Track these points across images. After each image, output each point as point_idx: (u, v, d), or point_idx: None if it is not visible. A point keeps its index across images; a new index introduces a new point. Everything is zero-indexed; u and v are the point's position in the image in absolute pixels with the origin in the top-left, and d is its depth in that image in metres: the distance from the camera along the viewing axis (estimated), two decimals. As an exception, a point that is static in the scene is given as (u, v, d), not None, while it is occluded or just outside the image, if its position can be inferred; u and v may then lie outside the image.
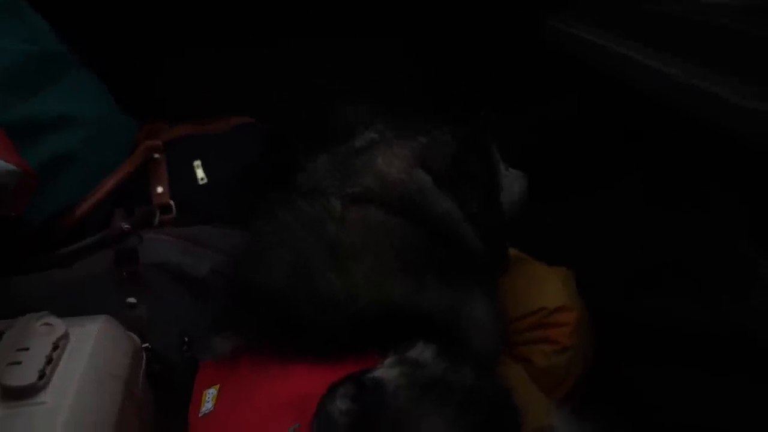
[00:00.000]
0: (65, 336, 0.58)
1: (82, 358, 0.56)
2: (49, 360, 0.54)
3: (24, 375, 0.52)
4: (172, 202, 0.89)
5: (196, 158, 0.96)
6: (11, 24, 0.84)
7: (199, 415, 0.55)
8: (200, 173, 0.95)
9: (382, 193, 0.63)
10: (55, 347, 0.56)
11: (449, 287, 0.57)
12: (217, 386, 0.57)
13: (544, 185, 1.04)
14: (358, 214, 0.61)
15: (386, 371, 0.50)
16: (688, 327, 0.67)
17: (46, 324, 0.58)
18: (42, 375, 0.52)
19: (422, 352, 0.53)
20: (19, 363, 0.53)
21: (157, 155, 0.95)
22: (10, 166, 0.65)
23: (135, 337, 0.67)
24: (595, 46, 0.73)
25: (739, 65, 0.49)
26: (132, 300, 0.75)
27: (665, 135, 0.76)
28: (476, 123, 0.70)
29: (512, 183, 0.77)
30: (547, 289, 0.82)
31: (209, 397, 0.56)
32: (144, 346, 0.69)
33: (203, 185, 0.94)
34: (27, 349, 0.54)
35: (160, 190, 0.92)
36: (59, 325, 0.58)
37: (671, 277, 0.76)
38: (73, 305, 0.66)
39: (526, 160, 1.06)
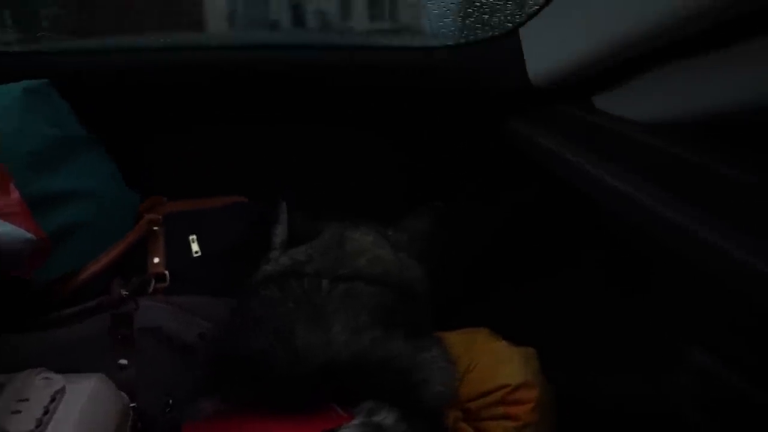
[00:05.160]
0: (62, 390, 0.63)
1: (76, 411, 0.62)
2: (46, 411, 0.60)
3: (23, 423, 0.57)
4: (166, 272, 0.96)
5: (191, 233, 1.04)
6: (42, 110, 0.96)
7: None
8: (195, 247, 1.03)
9: (370, 271, 0.73)
10: (52, 399, 0.61)
11: (412, 336, 0.65)
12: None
13: (509, 268, 1.13)
14: (343, 289, 0.70)
15: None
16: (631, 404, 0.73)
17: (45, 378, 0.64)
18: (39, 423, 0.58)
19: (385, 417, 0.59)
20: (20, 412, 0.58)
21: (156, 228, 1.03)
22: (28, 235, 0.73)
23: (124, 395, 0.72)
24: (544, 148, 0.85)
25: (655, 173, 0.59)
26: (123, 362, 0.80)
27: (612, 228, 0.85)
28: (438, 211, 0.81)
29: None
30: (510, 367, 0.89)
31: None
32: (132, 405, 0.74)
33: (197, 258, 1.02)
34: (27, 399, 0.60)
35: (156, 260, 0.99)
36: (57, 380, 0.64)
37: (620, 357, 0.83)
38: (69, 363, 0.72)
39: (493, 245, 1.16)
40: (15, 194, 0.76)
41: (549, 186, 0.91)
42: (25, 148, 0.89)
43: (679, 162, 0.58)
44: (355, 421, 0.58)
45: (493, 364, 0.89)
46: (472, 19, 1.03)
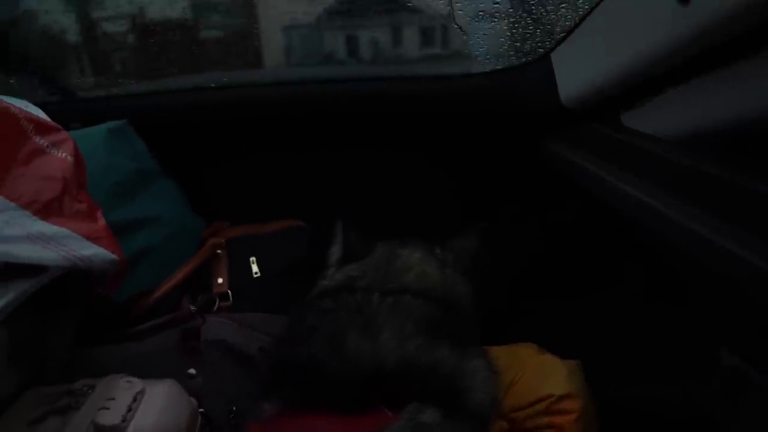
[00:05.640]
0: (142, 392, 0.71)
1: (154, 410, 0.69)
2: (129, 408, 0.67)
3: (111, 417, 0.65)
4: (229, 292, 1.05)
5: (252, 255, 1.12)
6: (122, 145, 1.08)
7: None
8: (255, 268, 1.11)
9: (417, 285, 0.78)
10: (134, 399, 0.69)
11: (458, 347, 0.69)
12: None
13: (553, 285, 1.15)
14: (392, 301, 0.76)
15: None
16: (669, 412, 0.74)
17: (128, 381, 0.72)
18: (124, 419, 0.65)
19: (429, 416, 0.63)
20: (108, 409, 0.66)
21: (219, 251, 1.12)
22: (113, 256, 0.82)
23: (194, 400, 0.80)
24: (578, 166, 0.88)
25: (680, 189, 0.62)
26: (192, 371, 0.88)
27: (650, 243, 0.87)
28: (483, 231, 0.86)
29: None
30: (555, 378, 0.91)
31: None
32: (200, 410, 0.81)
33: (257, 278, 1.10)
34: (113, 398, 0.68)
35: (220, 280, 1.08)
36: (137, 383, 0.72)
37: (660, 368, 0.84)
38: (144, 373, 0.80)
39: (538, 263, 1.19)
40: (102, 221, 0.86)
41: (588, 204, 0.94)
42: (109, 181, 1.00)
43: (704, 178, 0.60)
44: (401, 421, 0.63)
45: (538, 375, 0.92)
46: (506, 47, 1.09)
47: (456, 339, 0.71)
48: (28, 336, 0.73)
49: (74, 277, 0.78)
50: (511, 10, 1.11)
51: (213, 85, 1.30)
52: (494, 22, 1.14)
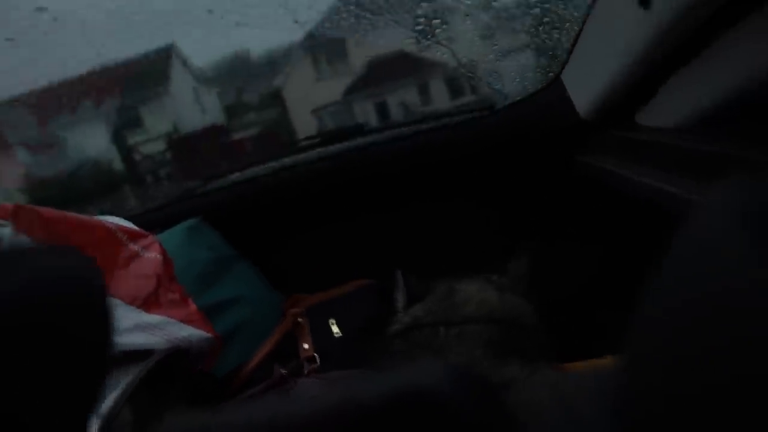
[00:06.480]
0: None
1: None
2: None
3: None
4: (316, 355, 1.11)
5: (330, 317, 1.19)
6: (200, 239, 1.20)
7: None
8: (335, 329, 1.17)
9: (479, 313, 0.82)
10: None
11: (527, 364, 0.71)
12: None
13: (623, 295, 1.14)
14: (457, 332, 0.80)
15: None
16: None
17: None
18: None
19: None
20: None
21: (300, 319, 1.20)
22: (208, 334, 0.92)
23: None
24: (608, 172, 0.91)
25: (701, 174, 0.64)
26: None
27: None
28: (532, 251, 0.90)
29: None
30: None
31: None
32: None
33: (338, 338, 1.16)
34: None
35: (306, 346, 1.14)
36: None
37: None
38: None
39: (600, 274, 1.19)
40: (193, 306, 0.96)
41: (629, 206, 0.95)
42: (194, 272, 1.12)
43: (728, 160, 0.62)
44: None
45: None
46: (518, 80, 1.16)
47: (525, 356, 0.73)
48: (147, 414, 0.82)
49: (177, 358, 0.88)
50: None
51: (265, 172, 1.43)
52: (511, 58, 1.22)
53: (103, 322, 0.38)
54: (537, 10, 1.05)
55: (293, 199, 1.37)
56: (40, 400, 0.33)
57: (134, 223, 1.06)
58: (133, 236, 0.99)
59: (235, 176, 1.44)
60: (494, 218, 1.30)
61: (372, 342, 1.01)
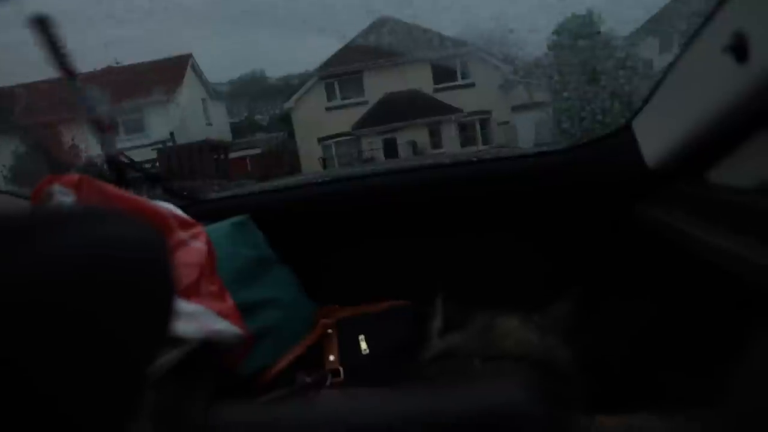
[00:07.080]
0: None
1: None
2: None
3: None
4: (341, 368, 1.10)
5: (360, 333, 1.19)
6: (244, 237, 1.22)
7: None
8: (363, 345, 1.17)
9: (517, 351, 0.80)
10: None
11: (560, 410, 0.69)
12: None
13: (680, 357, 1.09)
14: (492, 367, 0.78)
15: None
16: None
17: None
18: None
19: None
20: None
21: (330, 331, 1.20)
22: (240, 331, 0.92)
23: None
24: (673, 228, 0.87)
25: None
26: (307, 442, 0.92)
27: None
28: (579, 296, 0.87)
29: None
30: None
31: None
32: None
33: (366, 355, 1.15)
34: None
35: (332, 358, 1.14)
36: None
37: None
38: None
39: (653, 330, 1.14)
40: (230, 301, 0.97)
41: (691, 265, 0.91)
42: (233, 268, 1.13)
43: None
44: None
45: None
46: (587, 121, 1.13)
47: (558, 402, 0.70)
48: (170, 401, 0.82)
49: (206, 351, 0.88)
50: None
51: (318, 180, 1.45)
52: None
53: (168, 286, 0.38)
54: (622, 54, 1.04)
55: (342, 212, 1.38)
56: (106, 347, 0.34)
57: (185, 212, 1.08)
58: (183, 224, 1.01)
59: (288, 181, 1.46)
60: (544, 258, 1.27)
61: (401, 364, 0.99)
